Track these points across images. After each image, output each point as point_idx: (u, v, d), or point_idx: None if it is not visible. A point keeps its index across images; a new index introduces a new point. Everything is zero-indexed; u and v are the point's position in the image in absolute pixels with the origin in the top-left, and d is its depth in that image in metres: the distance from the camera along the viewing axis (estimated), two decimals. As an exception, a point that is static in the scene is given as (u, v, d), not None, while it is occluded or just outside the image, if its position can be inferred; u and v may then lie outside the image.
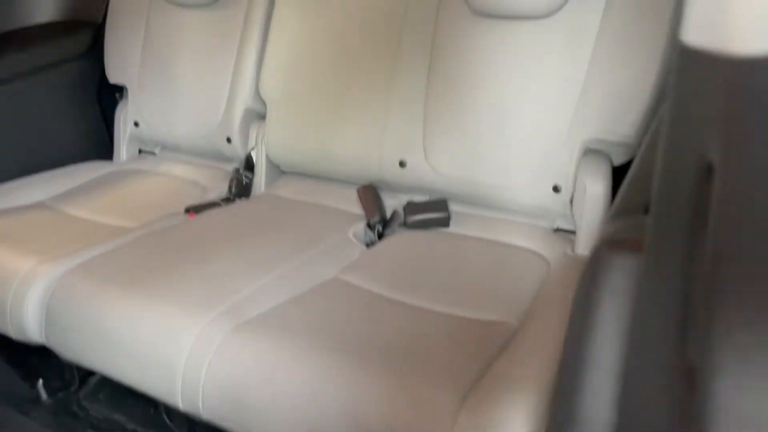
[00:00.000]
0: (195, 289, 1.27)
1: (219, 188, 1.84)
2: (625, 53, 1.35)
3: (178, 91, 1.92)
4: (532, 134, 1.44)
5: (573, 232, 1.44)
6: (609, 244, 0.57)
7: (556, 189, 1.42)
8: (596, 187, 1.38)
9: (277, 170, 1.85)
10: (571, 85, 1.40)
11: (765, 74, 0.36)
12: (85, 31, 2.05)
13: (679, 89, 0.43)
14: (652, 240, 0.46)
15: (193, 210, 1.69)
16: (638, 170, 0.90)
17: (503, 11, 1.44)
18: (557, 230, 1.48)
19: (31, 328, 1.33)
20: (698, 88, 0.41)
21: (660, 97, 1.34)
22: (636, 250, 0.54)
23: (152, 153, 2.08)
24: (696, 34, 0.41)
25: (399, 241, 1.51)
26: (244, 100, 1.81)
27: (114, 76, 2.05)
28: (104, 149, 2.12)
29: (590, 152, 1.41)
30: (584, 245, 1.39)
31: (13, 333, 1.36)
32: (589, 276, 0.59)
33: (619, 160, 1.43)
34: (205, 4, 1.86)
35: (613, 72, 1.36)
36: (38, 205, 1.77)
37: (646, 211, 0.80)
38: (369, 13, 1.65)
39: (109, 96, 2.13)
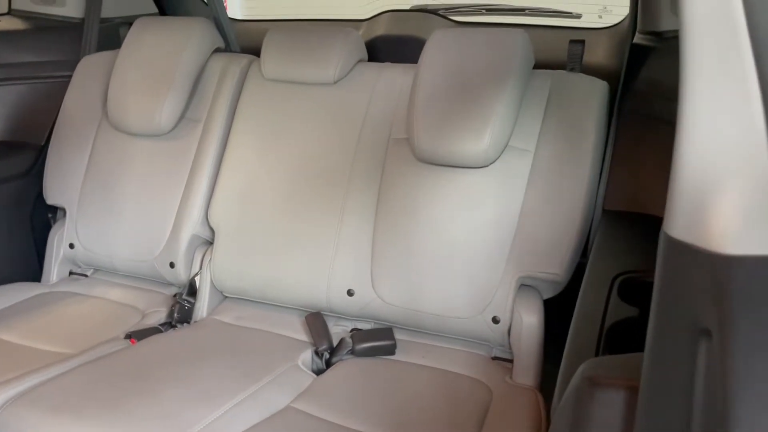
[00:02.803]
0: (147, 425, 1.25)
1: (158, 313, 1.83)
2: (551, 200, 1.55)
3: (121, 215, 1.94)
4: (472, 270, 1.58)
5: (510, 361, 1.56)
6: (593, 382, 0.68)
7: (495, 320, 1.55)
8: (532, 319, 1.52)
9: (219, 296, 1.88)
10: (506, 226, 1.57)
11: (745, 271, 0.49)
12: (26, 153, 2.06)
13: (665, 269, 0.56)
14: (648, 383, 0.57)
15: (135, 336, 1.67)
16: (581, 317, 1.04)
17: (445, 161, 1.62)
18: (495, 358, 1.59)
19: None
20: (684, 271, 0.53)
21: (582, 241, 1.54)
22: (620, 387, 0.65)
23: (84, 275, 2.05)
24: (679, 229, 0.53)
25: (348, 369, 1.56)
26: (191, 226, 1.86)
27: (52, 198, 2.04)
28: (31, 270, 2.07)
29: (524, 287, 1.57)
30: (521, 373, 1.51)
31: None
32: (576, 410, 0.69)
33: (547, 295, 1.59)
34: (155, 135, 1.93)
35: (543, 216, 1.55)
36: (-38, 329, 1.69)
37: (596, 355, 0.93)
38: (321, 150, 1.79)
39: (41, 217, 2.11)
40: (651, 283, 1.08)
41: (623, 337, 0.97)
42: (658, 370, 0.56)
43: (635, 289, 1.07)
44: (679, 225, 0.53)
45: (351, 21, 2.47)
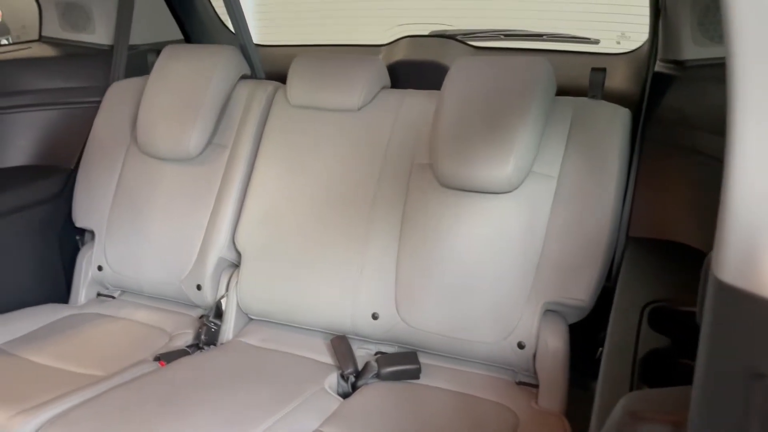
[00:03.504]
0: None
1: (185, 335, 1.86)
2: (576, 226, 1.57)
3: (149, 238, 1.98)
4: (496, 295, 1.60)
5: (535, 386, 1.57)
6: (636, 417, 0.69)
7: (520, 345, 1.56)
8: (557, 344, 1.54)
9: (245, 318, 1.91)
10: (531, 252, 1.59)
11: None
12: (56, 176, 2.10)
13: (715, 312, 0.57)
14: (697, 421, 0.58)
15: (164, 358, 1.70)
16: (613, 346, 1.06)
17: (469, 186, 1.64)
18: (519, 383, 1.60)
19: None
20: (736, 316, 0.54)
21: (606, 267, 1.55)
22: (666, 423, 0.66)
23: (111, 297, 2.08)
24: (731, 274, 0.54)
25: (374, 393, 1.58)
26: (218, 249, 1.89)
27: (81, 221, 2.08)
28: (59, 292, 2.11)
29: (548, 312, 1.59)
30: (547, 398, 1.53)
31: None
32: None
33: (572, 320, 1.60)
34: (183, 159, 1.97)
35: (567, 242, 1.57)
36: (-5, 351, 1.72)
37: (631, 387, 0.94)
38: (346, 175, 1.82)
39: (69, 239, 2.15)
40: (682, 313, 1.10)
41: (657, 368, 0.99)
42: (708, 409, 0.57)
43: (666, 318, 1.09)
44: (730, 269, 0.54)
45: (370, 46, 2.51)
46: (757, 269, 0.52)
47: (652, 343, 1.03)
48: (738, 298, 0.53)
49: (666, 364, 0.99)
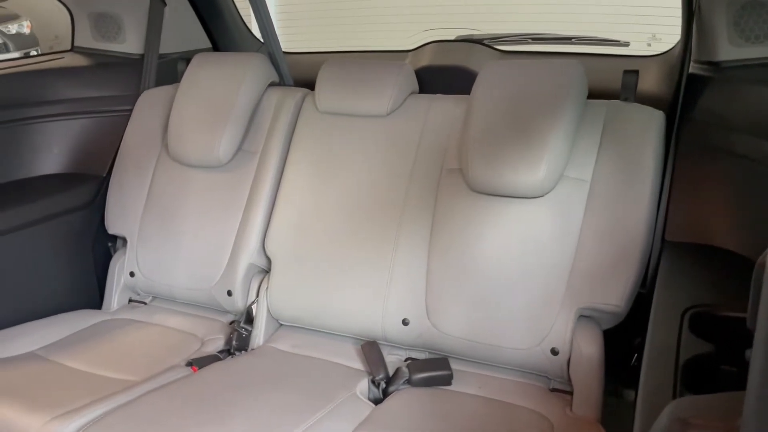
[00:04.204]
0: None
1: (216, 340, 1.87)
2: (610, 230, 1.55)
3: (180, 244, 2.00)
4: (529, 300, 1.58)
5: (569, 393, 1.55)
6: (686, 424, 0.68)
7: (554, 352, 1.54)
8: (592, 351, 1.51)
9: (275, 323, 1.91)
10: (564, 256, 1.57)
11: None
12: (89, 184, 2.14)
13: None
14: (755, 428, 0.56)
15: (196, 363, 1.71)
16: (654, 352, 1.04)
17: (500, 191, 1.63)
18: (553, 390, 1.58)
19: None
20: None
21: (642, 272, 1.53)
22: (714, 429, 0.65)
23: (143, 303, 2.11)
24: None
25: (406, 399, 1.57)
26: (248, 255, 1.90)
27: (113, 227, 2.11)
28: (91, 298, 2.13)
29: (582, 318, 1.56)
30: (582, 405, 1.50)
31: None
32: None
33: (606, 326, 1.58)
34: (213, 166, 1.99)
35: (601, 247, 1.55)
36: (30, 356, 1.75)
37: (674, 393, 0.92)
38: (375, 181, 1.82)
39: (102, 246, 2.18)
40: (724, 318, 1.08)
41: (701, 374, 0.96)
42: (763, 415, 0.56)
43: (708, 323, 1.07)
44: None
45: (396, 52, 2.51)
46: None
47: (694, 348, 1.01)
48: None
49: (710, 371, 0.97)
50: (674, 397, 0.91)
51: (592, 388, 1.51)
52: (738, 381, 0.94)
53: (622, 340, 1.59)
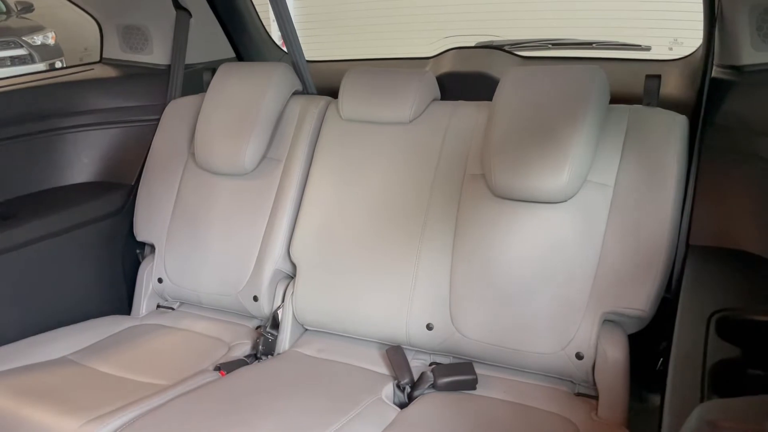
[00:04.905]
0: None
1: (243, 345, 1.90)
2: (634, 235, 1.55)
3: (207, 250, 2.03)
4: (553, 305, 1.59)
5: (594, 397, 1.55)
6: (715, 427, 0.69)
7: (579, 356, 1.55)
8: (617, 355, 1.52)
9: (300, 328, 1.94)
10: (588, 261, 1.58)
11: None
12: (118, 192, 2.18)
13: None
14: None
15: (224, 368, 1.74)
16: (680, 356, 1.04)
17: (523, 196, 1.64)
18: (578, 395, 1.59)
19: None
20: None
21: (666, 276, 1.53)
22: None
23: (170, 308, 2.14)
24: None
25: (431, 403, 1.59)
26: (274, 261, 1.93)
27: (142, 235, 2.15)
28: (120, 304, 2.18)
29: (607, 322, 1.57)
30: (607, 410, 1.50)
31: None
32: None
33: (631, 330, 1.58)
34: (239, 174, 2.03)
35: (625, 251, 1.55)
36: (63, 361, 1.79)
37: (702, 397, 0.93)
38: (398, 187, 1.84)
39: (131, 253, 2.23)
40: (751, 322, 1.08)
41: (728, 378, 0.97)
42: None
43: (734, 327, 1.07)
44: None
45: (417, 59, 2.53)
46: None
47: (721, 352, 1.01)
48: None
49: (736, 374, 0.97)
50: (702, 401, 0.92)
51: (618, 392, 1.51)
52: (766, 385, 0.95)
53: (646, 344, 1.59)
